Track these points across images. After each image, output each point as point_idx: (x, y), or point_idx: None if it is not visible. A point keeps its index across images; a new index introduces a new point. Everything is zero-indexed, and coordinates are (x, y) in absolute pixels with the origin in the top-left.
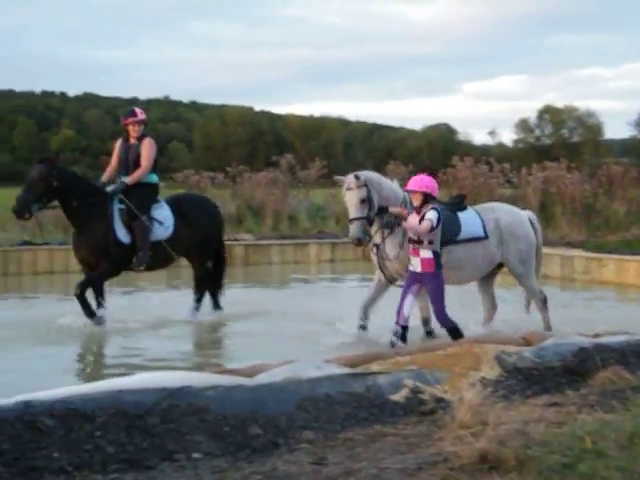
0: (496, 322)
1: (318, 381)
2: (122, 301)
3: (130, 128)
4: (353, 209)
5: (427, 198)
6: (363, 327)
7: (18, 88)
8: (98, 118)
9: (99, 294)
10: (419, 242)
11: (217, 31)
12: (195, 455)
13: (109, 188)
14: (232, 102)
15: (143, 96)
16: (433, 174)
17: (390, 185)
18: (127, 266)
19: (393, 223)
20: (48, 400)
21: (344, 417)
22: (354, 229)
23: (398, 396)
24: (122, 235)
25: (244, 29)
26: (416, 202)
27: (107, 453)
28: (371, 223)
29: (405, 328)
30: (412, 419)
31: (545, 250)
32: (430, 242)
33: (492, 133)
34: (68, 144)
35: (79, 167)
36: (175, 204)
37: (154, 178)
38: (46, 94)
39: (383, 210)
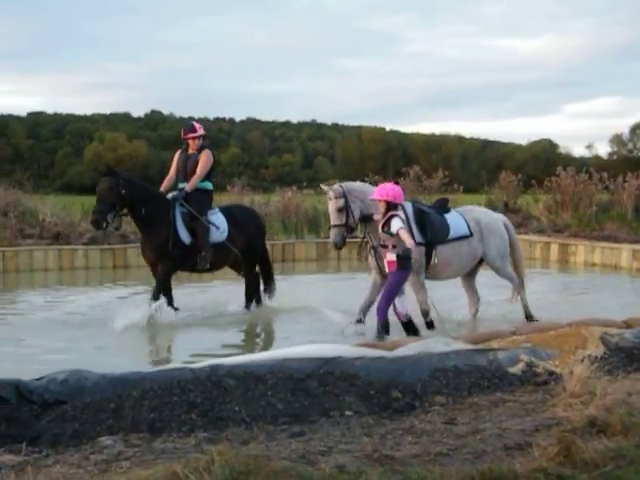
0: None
1: (447, 355)
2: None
3: (190, 142)
4: (332, 217)
5: (390, 205)
6: (360, 320)
7: (196, 115)
8: (258, 138)
9: (167, 292)
10: (384, 247)
11: (356, 65)
12: (347, 413)
13: (170, 195)
14: (367, 123)
15: (294, 119)
16: (396, 182)
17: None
18: (190, 266)
19: (406, 253)
20: (230, 365)
21: (470, 385)
22: (332, 235)
23: (515, 369)
24: (184, 236)
25: (378, 63)
26: (381, 209)
27: (277, 409)
28: (351, 229)
29: (410, 322)
30: (528, 389)
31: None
32: (393, 246)
33: (589, 147)
34: (234, 160)
35: (243, 178)
36: (226, 211)
37: (209, 185)
38: (218, 119)
39: (368, 218)
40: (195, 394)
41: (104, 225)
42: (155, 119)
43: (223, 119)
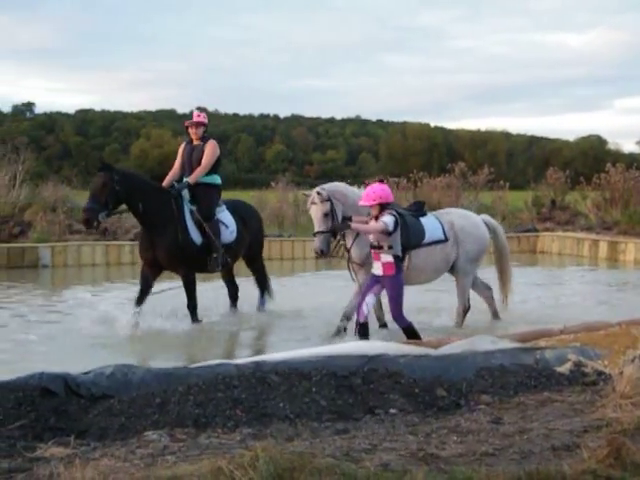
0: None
1: (492, 353)
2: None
3: (190, 131)
4: (317, 223)
5: (383, 206)
6: (345, 329)
7: (241, 112)
8: (303, 134)
9: (193, 300)
10: (379, 247)
11: (401, 61)
12: (391, 410)
13: (175, 187)
14: (411, 119)
15: (338, 116)
16: (381, 180)
17: (356, 193)
18: (200, 268)
19: (343, 227)
20: (274, 361)
21: (516, 384)
22: (317, 242)
23: (563, 368)
24: (195, 236)
25: (424, 58)
26: (375, 212)
27: (321, 406)
28: (335, 235)
29: (365, 325)
30: (576, 389)
31: None
32: (390, 247)
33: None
34: (279, 156)
35: (287, 175)
36: (233, 209)
37: (217, 179)
38: (262, 116)
39: (348, 219)
40: (240, 390)
41: (95, 224)
42: None
43: (267, 116)
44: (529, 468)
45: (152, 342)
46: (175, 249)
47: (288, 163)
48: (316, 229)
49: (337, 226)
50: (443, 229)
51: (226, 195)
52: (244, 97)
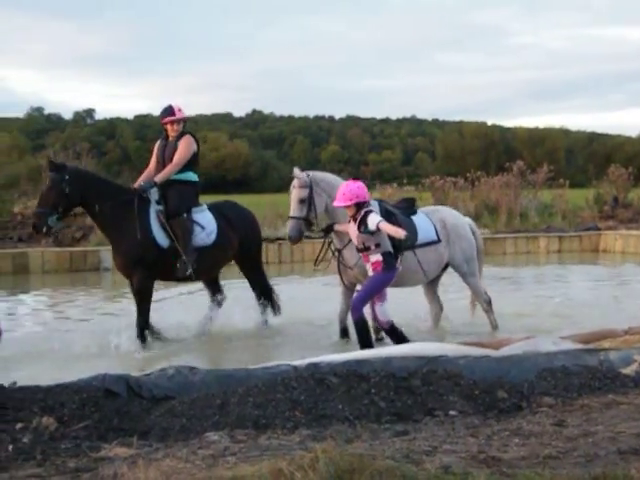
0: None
1: (555, 355)
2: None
3: (168, 127)
4: (292, 207)
5: (360, 205)
6: (345, 331)
7: (296, 114)
8: (358, 135)
9: (144, 314)
10: (367, 249)
11: (458, 59)
12: (451, 412)
13: (137, 185)
14: (468, 118)
15: (394, 116)
16: (356, 178)
17: None
18: (168, 274)
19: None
20: (332, 363)
21: (579, 386)
22: (289, 227)
23: (629, 370)
24: (160, 237)
25: (481, 56)
26: (351, 213)
27: (380, 407)
28: (311, 224)
29: (394, 330)
30: None
31: None
32: (377, 245)
33: None
34: (334, 157)
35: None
36: (216, 209)
37: (193, 177)
38: (317, 117)
39: (329, 228)
40: (298, 391)
41: (44, 229)
42: (255, 118)
43: (323, 117)
44: (595, 472)
45: (215, 343)
46: (132, 251)
47: (344, 164)
48: (290, 213)
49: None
50: (436, 229)
51: (281, 199)
52: (299, 99)
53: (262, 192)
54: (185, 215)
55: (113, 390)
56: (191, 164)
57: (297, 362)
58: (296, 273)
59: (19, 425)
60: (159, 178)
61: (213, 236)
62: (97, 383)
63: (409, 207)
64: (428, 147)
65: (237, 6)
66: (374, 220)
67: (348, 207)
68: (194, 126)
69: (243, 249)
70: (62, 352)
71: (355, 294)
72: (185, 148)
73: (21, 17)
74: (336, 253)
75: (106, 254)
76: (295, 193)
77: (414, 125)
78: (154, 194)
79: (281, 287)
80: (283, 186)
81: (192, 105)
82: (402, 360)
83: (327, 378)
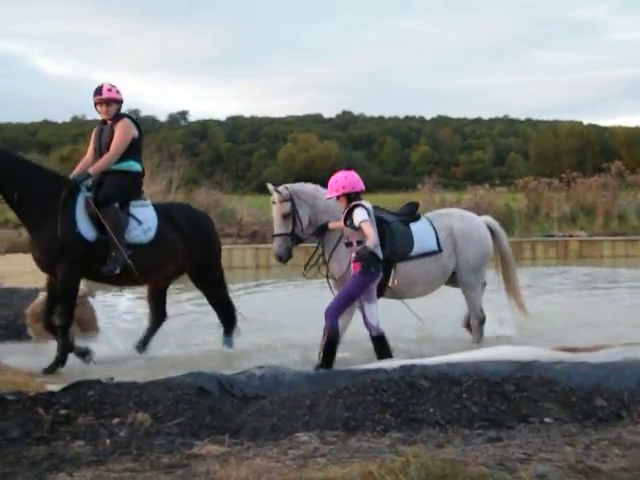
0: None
1: None
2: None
3: (100, 109)
4: (276, 224)
5: (351, 196)
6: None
7: (386, 114)
8: (449, 136)
9: (65, 314)
10: (349, 244)
11: (552, 57)
12: (546, 420)
13: (72, 175)
14: (563, 117)
15: (485, 115)
16: (349, 168)
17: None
18: (94, 272)
19: (365, 253)
20: (423, 366)
21: None
22: (276, 246)
23: None
24: (86, 229)
25: (576, 54)
26: (343, 205)
27: (472, 412)
28: (298, 240)
29: (381, 337)
30: None
31: None
32: (359, 243)
33: None
34: (424, 158)
35: (433, 176)
36: (162, 209)
37: (135, 166)
38: (408, 118)
39: (323, 228)
40: (389, 394)
41: None
42: (346, 119)
43: (413, 117)
44: None
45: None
46: (52, 244)
47: (434, 165)
48: (274, 231)
49: (362, 255)
50: (437, 237)
51: (370, 200)
52: (389, 99)
53: None
54: (116, 205)
55: (206, 388)
56: (132, 151)
57: (386, 364)
58: None
59: (116, 420)
60: (94, 169)
61: (151, 234)
62: (190, 381)
63: (411, 213)
64: (521, 147)
65: (328, 7)
66: (358, 216)
67: (339, 199)
68: (284, 127)
69: (194, 259)
70: (154, 349)
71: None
72: (122, 134)
73: (118, 23)
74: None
75: None
76: (277, 209)
77: (506, 125)
78: (87, 183)
79: None
80: (373, 187)
81: (283, 106)
82: (495, 364)
83: (418, 381)
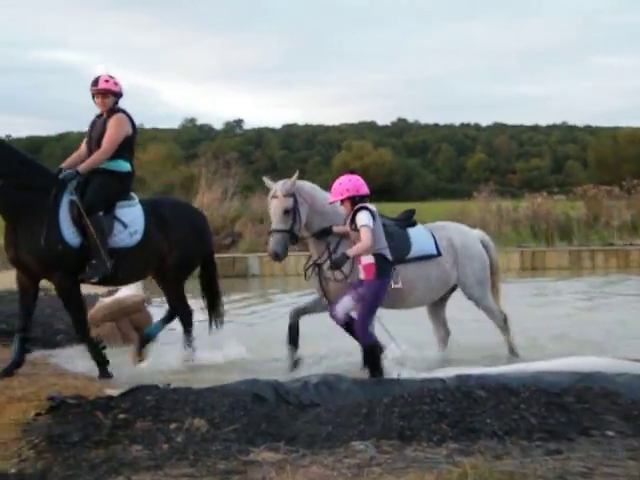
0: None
1: None
2: None
3: (97, 101)
4: (275, 220)
5: (356, 200)
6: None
7: (441, 122)
8: (505, 143)
9: (77, 313)
10: None
11: (613, 62)
12: (608, 433)
13: (62, 174)
14: (624, 124)
15: (543, 122)
16: (352, 171)
17: (326, 198)
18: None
19: (341, 261)
20: (479, 375)
21: None
22: (273, 242)
23: None
24: (70, 234)
25: (636, 59)
26: (347, 210)
27: (531, 423)
28: (296, 238)
29: (374, 351)
30: None
31: None
32: None
33: None
34: (480, 165)
35: (490, 184)
36: (150, 206)
37: (125, 166)
38: (463, 125)
39: (326, 231)
40: (445, 404)
41: None
42: (400, 127)
43: (468, 125)
44: None
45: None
46: (44, 251)
47: (490, 172)
48: (273, 227)
49: (338, 260)
50: (436, 242)
51: (425, 207)
52: (445, 106)
53: (406, 201)
54: (101, 213)
55: (261, 395)
56: (123, 150)
57: (442, 374)
58: None
59: (173, 425)
60: (82, 167)
61: (137, 236)
62: (245, 387)
63: (407, 218)
64: (579, 154)
65: (383, 15)
66: (360, 220)
67: (343, 203)
68: (338, 135)
69: (180, 255)
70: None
71: (356, 319)
72: (115, 130)
73: (174, 33)
74: (316, 269)
75: (254, 261)
76: (278, 203)
77: (565, 132)
78: (72, 183)
79: None
80: (428, 194)
81: (338, 114)
82: (554, 375)
83: (474, 391)
